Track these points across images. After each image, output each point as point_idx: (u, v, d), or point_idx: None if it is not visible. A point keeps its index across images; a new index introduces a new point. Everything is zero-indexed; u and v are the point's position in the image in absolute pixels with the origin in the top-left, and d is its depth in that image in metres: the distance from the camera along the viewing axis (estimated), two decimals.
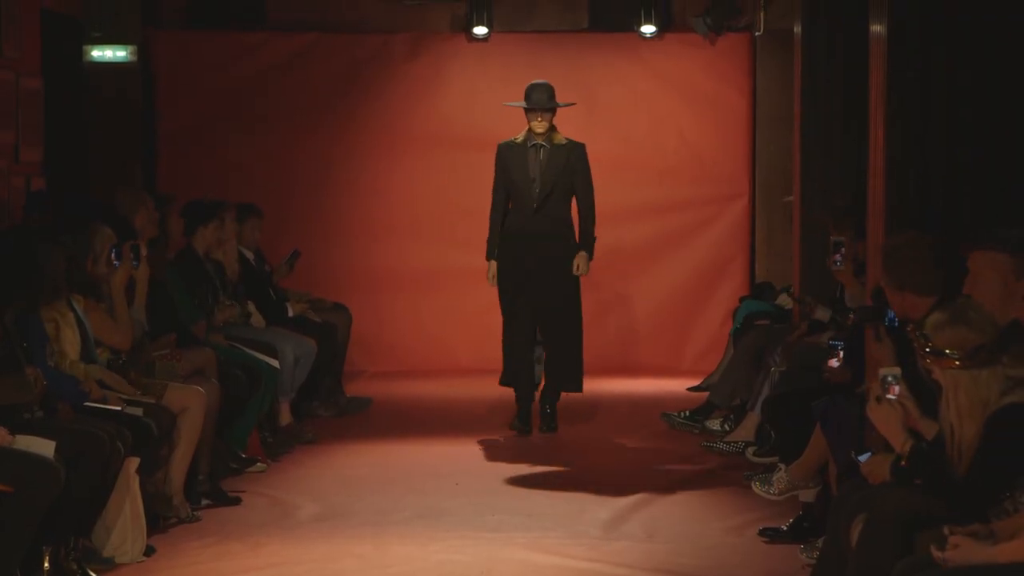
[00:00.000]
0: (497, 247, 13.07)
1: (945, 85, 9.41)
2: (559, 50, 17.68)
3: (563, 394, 13.97)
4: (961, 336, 7.08)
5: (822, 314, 9.17)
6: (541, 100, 12.42)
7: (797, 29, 14.58)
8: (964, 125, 9.40)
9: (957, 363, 7.02)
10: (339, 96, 18.10)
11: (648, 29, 17.91)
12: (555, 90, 12.85)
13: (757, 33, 17.88)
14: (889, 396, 7.57)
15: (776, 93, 17.51)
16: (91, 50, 17.06)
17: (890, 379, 7.62)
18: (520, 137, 12.71)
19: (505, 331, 13.22)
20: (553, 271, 12.79)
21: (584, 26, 18.38)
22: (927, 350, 7.15)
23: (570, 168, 12.75)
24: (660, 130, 18.22)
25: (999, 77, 9.45)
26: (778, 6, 16.76)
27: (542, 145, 12.58)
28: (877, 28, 9.48)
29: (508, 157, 12.69)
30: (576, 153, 12.80)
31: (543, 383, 13.40)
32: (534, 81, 12.64)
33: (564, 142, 12.71)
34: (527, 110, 12.64)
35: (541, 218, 12.70)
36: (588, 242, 12.88)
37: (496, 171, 12.88)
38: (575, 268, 12.92)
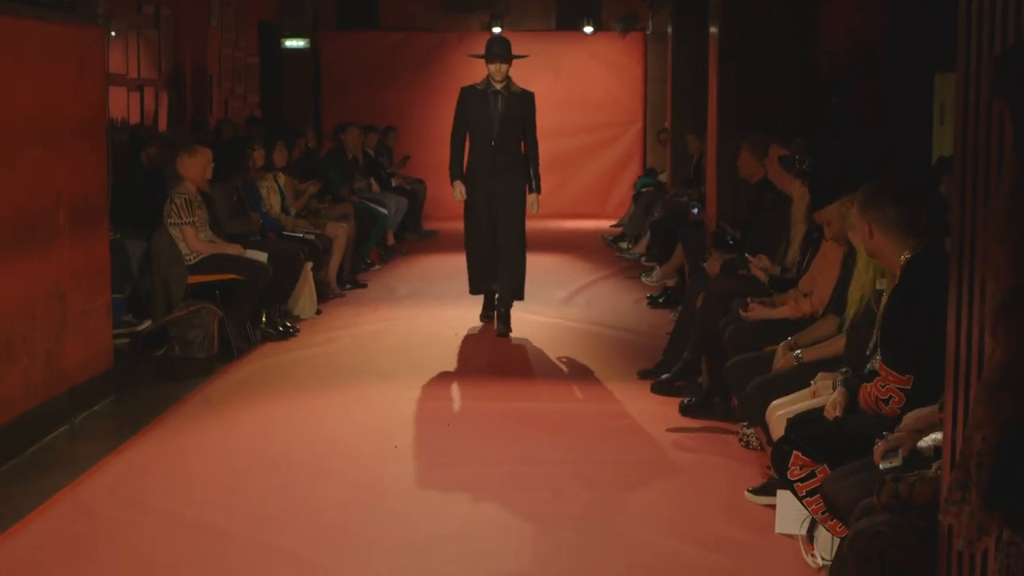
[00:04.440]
0: (461, 174, 9.30)
1: (749, 66, 8.63)
2: (540, 40, 17.28)
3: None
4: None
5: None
6: (501, 52, 9.05)
7: (669, 29, 14.51)
8: (757, 83, 8.61)
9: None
10: (421, 65, 17.89)
11: (588, 29, 17.77)
12: (511, 45, 9.34)
13: (648, 32, 17.82)
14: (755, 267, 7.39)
15: (657, 66, 17.23)
16: (284, 42, 17.00)
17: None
18: (481, 84, 9.22)
19: (470, 250, 9.49)
20: (510, 199, 9.20)
21: (553, 26, 18.24)
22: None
23: (523, 113, 9.19)
24: (593, 85, 17.98)
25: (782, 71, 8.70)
26: (659, 17, 16.67)
27: (500, 92, 9.11)
28: (713, 29, 9.14)
29: (470, 100, 9.20)
30: (528, 101, 9.23)
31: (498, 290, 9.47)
32: (493, 35, 9.48)
33: (519, 90, 9.23)
34: (488, 60, 9.13)
35: (499, 155, 9.12)
36: (538, 184, 9.29)
37: (457, 110, 9.30)
38: (530, 208, 9.28)
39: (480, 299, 9.63)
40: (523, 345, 8.90)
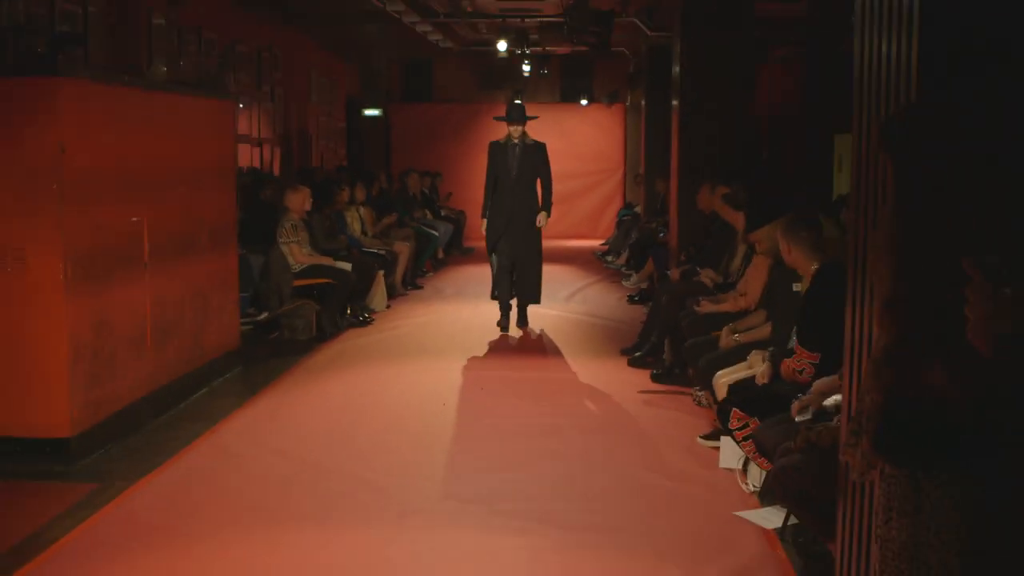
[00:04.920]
0: (488, 211, 8.73)
1: (701, 129, 8.36)
2: (548, 109, 17.01)
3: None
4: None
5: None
6: (517, 116, 8.60)
7: (643, 102, 14.41)
8: (706, 141, 8.31)
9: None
10: (462, 127, 17.72)
11: (584, 101, 17.73)
12: (526, 108, 8.84)
13: (627, 104, 17.71)
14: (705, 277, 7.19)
15: (634, 128, 17.09)
16: (364, 111, 16.89)
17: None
18: (503, 139, 8.69)
19: (493, 266, 8.82)
20: (523, 224, 8.61)
21: (559, 99, 18.18)
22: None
23: (536, 161, 8.68)
24: (587, 143, 17.81)
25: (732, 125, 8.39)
26: (636, 93, 16.52)
27: (517, 145, 8.61)
28: (674, 102, 8.79)
29: (496, 152, 8.70)
30: (540, 150, 8.73)
31: (516, 297, 8.92)
32: (513, 102, 9.04)
33: (532, 143, 8.71)
34: (508, 122, 8.66)
35: (516, 193, 8.60)
36: (548, 207, 8.69)
37: (488, 161, 8.75)
38: (539, 221, 8.68)
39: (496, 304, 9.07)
40: (537, 331, 8.83)
